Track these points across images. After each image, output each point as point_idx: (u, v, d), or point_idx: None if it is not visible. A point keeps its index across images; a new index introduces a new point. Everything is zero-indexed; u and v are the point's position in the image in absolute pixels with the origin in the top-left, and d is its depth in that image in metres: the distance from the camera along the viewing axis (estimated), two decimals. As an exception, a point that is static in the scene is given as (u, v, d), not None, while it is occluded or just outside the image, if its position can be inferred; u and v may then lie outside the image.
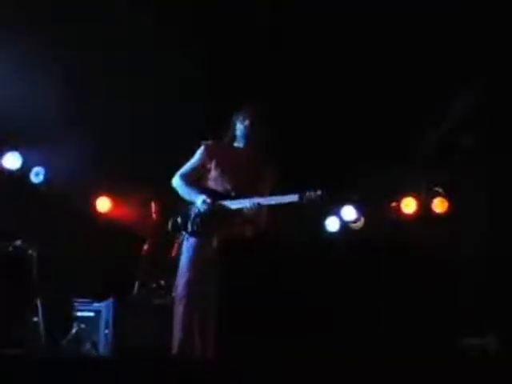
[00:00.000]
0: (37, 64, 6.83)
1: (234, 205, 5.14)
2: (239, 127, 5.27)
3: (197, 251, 5.21)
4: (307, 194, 4.96)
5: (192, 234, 5.26)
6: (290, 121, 7.10)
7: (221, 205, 5.15)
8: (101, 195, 8.14)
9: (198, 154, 5.34)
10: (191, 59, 6.91)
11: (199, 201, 5.19)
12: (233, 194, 5.19)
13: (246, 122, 5.23)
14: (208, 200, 5.14)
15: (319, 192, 4.94)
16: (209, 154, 5.31)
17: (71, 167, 7.64)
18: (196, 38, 6.84)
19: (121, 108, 7.28)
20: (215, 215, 5.16)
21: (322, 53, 6.94)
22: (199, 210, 5.19)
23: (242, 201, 5.11)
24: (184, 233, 5.29)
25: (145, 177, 7.34)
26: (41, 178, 7.82)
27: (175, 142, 6.89)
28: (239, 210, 5.11)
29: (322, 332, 7.38)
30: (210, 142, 5.34)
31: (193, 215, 5.23)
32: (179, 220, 5.29)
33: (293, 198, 5.01)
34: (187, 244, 5.28)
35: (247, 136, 5.26)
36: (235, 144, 5.33)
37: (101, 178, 7.86)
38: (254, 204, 5.04)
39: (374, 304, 7.65)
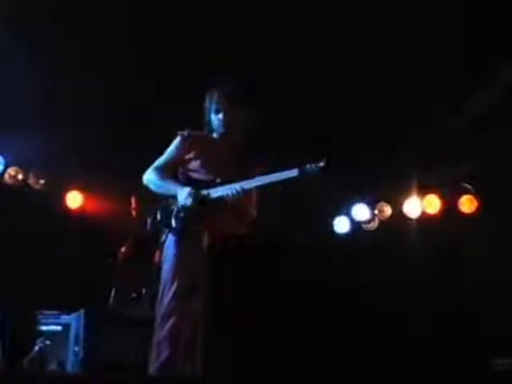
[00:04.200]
0: (4, 51, 6.89)
1: (221, 192, 5.07)
2: (214, 119, 5.23)
3: (183, 255, 5.09)
4: (308, 166, 4.90)
5: (176, 231, 5.13)
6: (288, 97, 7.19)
7: (208, 195, 5.08)
8: (71, 189, 8.09)
9: (174, 145, 5.29)
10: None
11: (183, 193, 5.10)
12: (218, 180, 5.11)
13: (220, 116, 5.19)
14: (193, 192, 5.06)
15: (321, 163, 4.89)
16: (187, 145, 5.26)
17: (37, 157, 7.68)
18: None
19: (95, 93, 7.28)
20: (202, 208, 5.08)
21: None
22: (183, 204, 5.10)
23: (230, 186, 5.04)
24: (166, 231, 5.18)
25: (123, 167, 7.35)
26: (0, 168, 7.78)
27: (158, 130, 6.53)
28: (228, 201, 5.05)
29: (328, 357, 7.19)
30: (186, 132, 5.28)
31: (175, 210, 5.13)
32: (159, 216, 5.19)
33: (292, 173, 4.94)
34: (171, 245, 5.16)
35: (224, 129, 5.22)
36: (214, 135, 5.28)
37: (71, 168, 7.84)
38: (243, 188, 4.98)
39: (393, 316, 7.26)
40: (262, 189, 5.11)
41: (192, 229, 5.07)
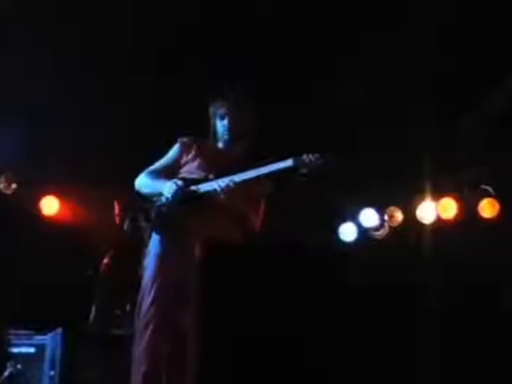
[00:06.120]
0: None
1: (210, 186, 4.99)
2: (219, 126, 5.25)
3: (166, 255, 5.00)
4: (303, 157, 4.88)
5: (157, 228, 5.05)
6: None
7: (196, 190, 5.00)
8: (47, 194, 8.02)
9: (172, 150, 5.34)
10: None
11: (167, 185, 5.05)
12: (211, 176, 5.03)
13: (225, 121, 5.20)
14: (179, 182, 5.00)
15: (318, 154, 4.89)
16: (184, 150, 5.29)
17: (7, 158, 7.57)
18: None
19: (75, 87, 7.14)
20: (188, 205, 4.99)
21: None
22: (167, 197, 5.03)
23: (221, 179, 4.97)
24: (147, 229, 5.11)
25: (105, 169, 7.30)
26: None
27: (144, 128, 7.02)
28: (221, 200, 4.96)
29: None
30: (186, 139, 5.31)
31: (157, 204, 5.09)
32: (139, 215, 5.13)
33: (286, 163, 4.92)
34: (154, 244, 5.07)
35: (230, 135, 5.22)
36: (219, 145, 5.28)
37: (47, 171, 7.72)
38: (234, 181, 4.90)
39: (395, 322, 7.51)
40: (256, 180, 4.97)
41: (176, 226, 4.99)
